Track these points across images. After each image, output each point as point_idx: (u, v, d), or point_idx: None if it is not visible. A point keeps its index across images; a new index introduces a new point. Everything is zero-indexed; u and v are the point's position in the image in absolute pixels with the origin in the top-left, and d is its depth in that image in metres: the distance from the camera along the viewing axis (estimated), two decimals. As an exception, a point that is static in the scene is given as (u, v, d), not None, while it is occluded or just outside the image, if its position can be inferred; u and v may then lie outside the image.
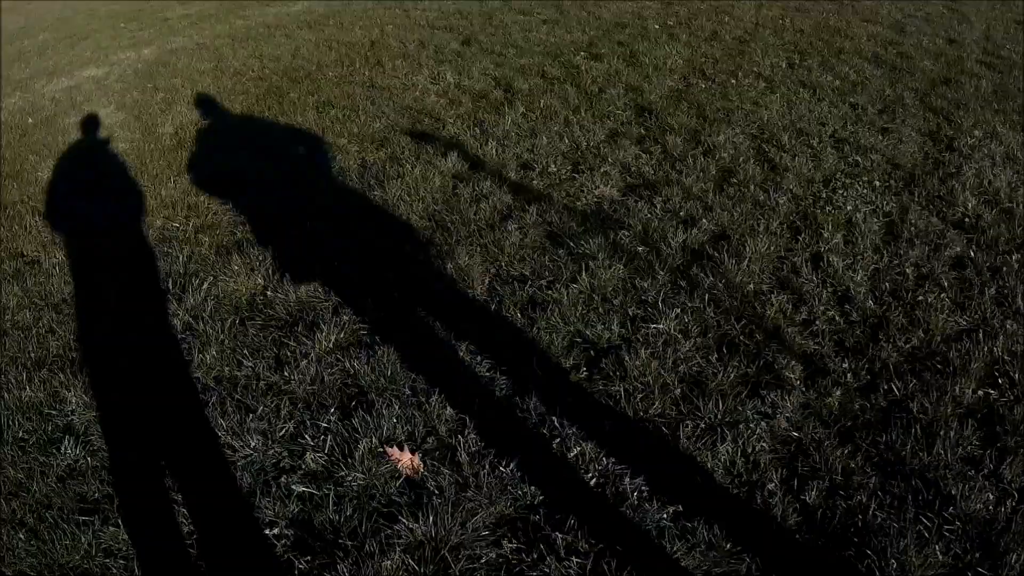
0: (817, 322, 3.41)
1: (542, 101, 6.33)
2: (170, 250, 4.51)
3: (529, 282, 3.83)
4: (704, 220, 4.24)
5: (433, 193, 4.85)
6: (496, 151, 5.39)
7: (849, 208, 4.30)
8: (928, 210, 4.28)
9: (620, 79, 6.75)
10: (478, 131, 5.83)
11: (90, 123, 7.19)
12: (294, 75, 7.91)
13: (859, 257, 3.87)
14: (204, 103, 7.26)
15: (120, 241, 4.76)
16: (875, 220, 4.18)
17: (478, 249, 4.16)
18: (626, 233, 4.17)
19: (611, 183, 4.78)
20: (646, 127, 5.63)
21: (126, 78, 8.81)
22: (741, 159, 4.95)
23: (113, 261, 4.52)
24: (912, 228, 4.09)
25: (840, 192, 4.48)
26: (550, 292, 3.71)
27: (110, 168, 6.00)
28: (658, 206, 4.43)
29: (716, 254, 3.90)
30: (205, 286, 4.05)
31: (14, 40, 14.53)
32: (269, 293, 3.94)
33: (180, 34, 11.01)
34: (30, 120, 7.56)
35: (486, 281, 3.90)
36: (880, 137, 5.21)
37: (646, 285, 3.71)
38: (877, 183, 4.58)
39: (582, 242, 4.09)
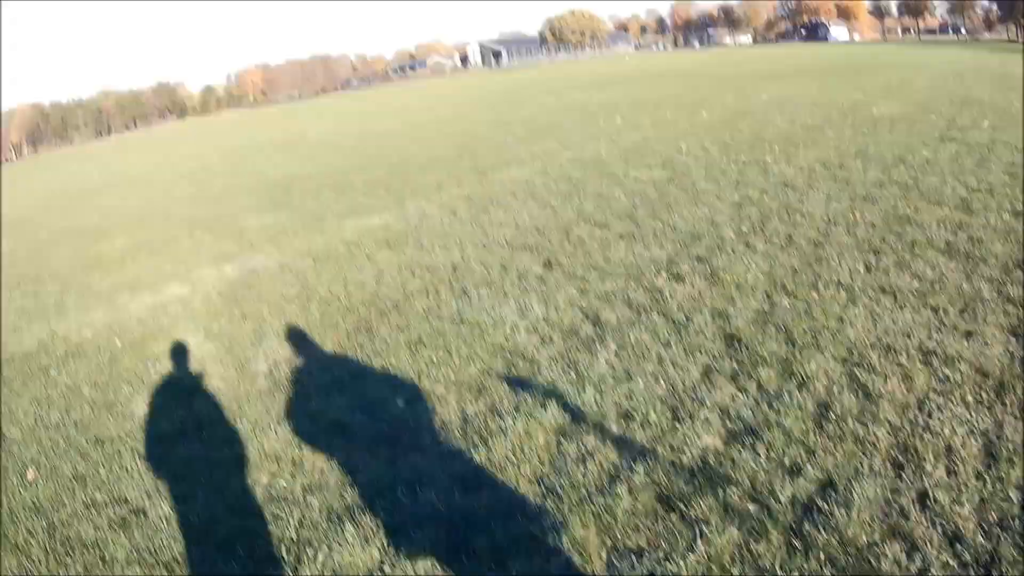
0: (931, 570, 3.55)
1: (632, 336, 6.65)
2: (280, 512, 4.64)
3: (645, 554, 4.03)
4: (808, 466, 4.44)
5: (538, 452, 5.07)
6: (595, 399, 5.66)
7: (947, 432, 4.47)
8: (1021, 420, 4.43)
9: (704, 302, 7.11)
10: (574, 375, 6.11)
11: (180, 353, 7.45)
12: (381, 305, 8.27)
13: (963, 488, 4.02)
14: (295, 337, 7.53)
15: (228, 496, 4.91)
16: (973, 442, 4.34)
17: (591, 519, 4.37)
18: (734, 490, 4.39)
19: (713, 431, 5.04)
20: (738, 360, 5.92)
21: (211, 300, 9.24)
22: (835, 389, 5.18)
23: (222, 519, 4.62)
24: (1009, 445, 4.24)
25: (936, 415, 4.66)
26: (668, 564, 3.91)
27: (206, 409, 6.19)
28: (762, 455, 4.65)
29: (825, 505, 4.09)
30: (320, 558, 4.19)
31: (89, 239, 15.35)
32: (387, 569, 4.09)
33: (259, 250, 11.61)
34: (118, 342, 7.96)
35: (603, 555, 4.13)
36: (965, 343, 5.39)
37: (761, 549, 3.91)
38: (970, 398, 4.75)
39: (693, 504, 4.32)
